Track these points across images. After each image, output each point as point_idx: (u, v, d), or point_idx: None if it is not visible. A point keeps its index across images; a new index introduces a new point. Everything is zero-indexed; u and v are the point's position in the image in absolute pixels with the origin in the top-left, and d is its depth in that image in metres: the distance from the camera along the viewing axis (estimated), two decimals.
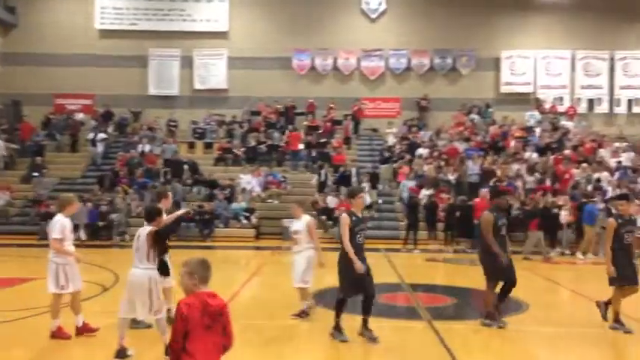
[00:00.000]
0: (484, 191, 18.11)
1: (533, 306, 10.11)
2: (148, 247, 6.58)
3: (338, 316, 7.59)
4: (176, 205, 20.94)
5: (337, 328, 7.56)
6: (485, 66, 27.31)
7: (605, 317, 8.71)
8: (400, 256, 16.69)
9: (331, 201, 20.64)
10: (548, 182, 20.49)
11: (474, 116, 25.86)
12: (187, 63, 27.66)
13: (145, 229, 6.71)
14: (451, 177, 21.23)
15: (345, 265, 7.37)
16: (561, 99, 26.98)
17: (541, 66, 27.39)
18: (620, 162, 21.94)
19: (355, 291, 7.46)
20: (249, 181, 22.19)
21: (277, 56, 27.07)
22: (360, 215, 7.64)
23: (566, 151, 22.36)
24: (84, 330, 7.62)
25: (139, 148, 24.13)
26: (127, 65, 27.10)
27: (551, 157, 22.01)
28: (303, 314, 8.55)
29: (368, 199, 20.61)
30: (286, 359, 7.10)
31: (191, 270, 3.98)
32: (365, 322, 7.55)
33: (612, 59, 27.26)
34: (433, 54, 27.35)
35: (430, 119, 26.60)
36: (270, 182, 22.45)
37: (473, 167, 21.36)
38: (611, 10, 25.99)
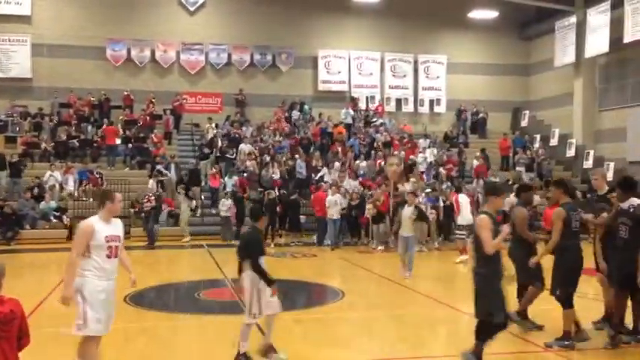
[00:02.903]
0: (325, 186, 19.28)
1: (348, 293, 10.77)
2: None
3: (484, 340, 5.97)
4: None
5: (478, 355, 6.00)
6: (304, 64, 28.20)
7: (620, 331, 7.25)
8: (223, 252, 16.67)
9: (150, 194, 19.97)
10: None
11: (295, 113, 26.59)
12: None
13: None
14: (276, 174, 21.34)
15: (486, 279, 5.78)
16: (373, 98, 28.80)
17: (354, 66, 28.97)
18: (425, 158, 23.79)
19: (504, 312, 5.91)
20: (59, 178, 20.66)
21: (89, 45, 25.43)
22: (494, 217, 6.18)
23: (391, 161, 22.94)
24: None
25: None
26: None
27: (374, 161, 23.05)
28: None
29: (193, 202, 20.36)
30: None
31: None
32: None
33: (416, 62, 29.66)
34: (253, 50, 27.58)
35: (251, 115, 26.84)
36: (88, 179, 21.11)
37: (299, 163, 21.93)
38: (415, 17, 28.24)
